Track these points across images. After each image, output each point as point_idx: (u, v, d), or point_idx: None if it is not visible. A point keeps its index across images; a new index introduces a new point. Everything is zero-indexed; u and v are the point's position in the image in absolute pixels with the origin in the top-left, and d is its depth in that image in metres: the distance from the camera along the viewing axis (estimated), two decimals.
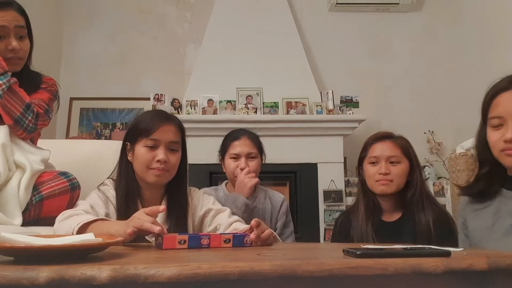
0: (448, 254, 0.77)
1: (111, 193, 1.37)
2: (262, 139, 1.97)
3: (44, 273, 0.60)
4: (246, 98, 3.43)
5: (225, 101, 3.42)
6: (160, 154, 1.34)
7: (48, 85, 1.56)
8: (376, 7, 3.82)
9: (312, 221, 3.26)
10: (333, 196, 3.27)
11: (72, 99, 3.64)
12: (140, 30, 3.79)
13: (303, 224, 3.22)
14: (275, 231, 1.90)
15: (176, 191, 1.42)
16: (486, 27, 3.37)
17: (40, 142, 1.61)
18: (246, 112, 3.34)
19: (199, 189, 1.57)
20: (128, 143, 1.41)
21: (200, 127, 3.24)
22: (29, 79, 1.51)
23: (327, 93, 3.51)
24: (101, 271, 0.60)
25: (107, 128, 3.64)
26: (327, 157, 3.33)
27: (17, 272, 0.60)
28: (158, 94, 3.48)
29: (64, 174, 1.45)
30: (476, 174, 1.31)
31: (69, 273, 0.60)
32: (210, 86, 3.44)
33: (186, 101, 3.41)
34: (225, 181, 1.98)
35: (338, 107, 3.52)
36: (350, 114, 3.45)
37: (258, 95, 3.45)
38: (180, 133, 1.42)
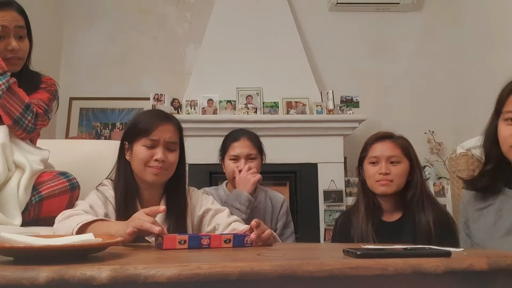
0: (448, 254, 0.77)
1: (110, 193, 1.37)
2: (262, 139, 1.97)
3: (44, 273, 0.59)
4: (246, 98, 3.43)
5: (225, 101, 3.42)
6: (159, 153, 1.35)
7: (48, 85, 1.56)
8: (376, 7, 3.82)
9: (312, 221, 3.26)
10: (333, 196, 3.27)
11: (71, 99, 3.64)
12: (140, 30, 3.79)
13: (303, 224, 3.22)
14: (275, 232, 1.90)
15: (175, 190, 1.42)
16: (486, 27, 3.37)
17: (40, 142, 1.61)
18: (246, 112, 3.34)
19: (199, 189, 1.57)
20: (126, 143, 1.41)
21: (200, 127, 3.24)
22: (28, 79, 1.51)
23: (327, 93, 3.51)
24: (101, 271, 0.60)
25: (107, 128, 3.64)
26: (327, 157, 3.33)
27: (17, 272, 0.60)
28: (158, 94, 3.48)
29: (63, 174, 1.45)
30: (481, 170, 1.31)
31: (69, 273, 0.60)
32: (210, 86, 3.44)
33: (186, 101, 3.41)
34: (225, 181, 1.98)
35: (338, 107, 3.52)
36: (350, 114, 3.45)
37: (258, 95, 3.45)
38: (178, 132, 1.43)
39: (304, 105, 3.41)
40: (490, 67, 3.27)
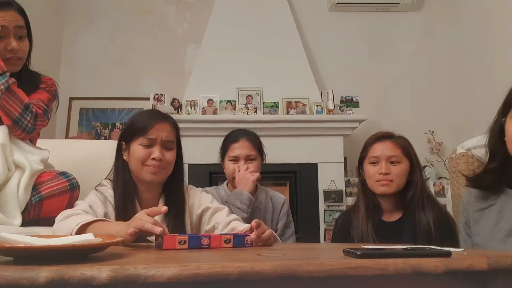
0: (448, 254, 0.77)
1: (109, 192, 1.37)
2: (262, 139, 1.97)
3: (44, 273, 0.59)
4: (246, 98, 3.43)
5: (225, 101, 3.42)
6: (156, 152, 1.35)
7: (47, 85, 1.56)
8: (376, 7, 3.82)
9: (312, 221, 3.26)
10: (333, 196, 3.27)
11: (71, 99, 3.64)
12: (140, 30, 3.79)
13: (303, 224, 3.22)
14: (276, 232, 1.91)
15: (173, 189, 1.43)
16: (486, 27, 3.37)
17: (40, 142, 1.61)
18: (246, 112, 3.33)
19: (199, 188, 1.57)
20: (124, 143, 1.41)
21: (200, 127, 3.24)
22: (28, 79, 1.51)
23: (327, 93, 3.51)
24: (101, 271, 0.60)
25: (107, 128, 3.64)
26: (327, 157, 3.33)
27: (17, 272, 0.60)
28: (158, 94, 3.48)
29: (63, 174, 1.45)
30: (485, 167, 1.30)
31: (69, 273, 0.60)
32: (210, 86, 3.44)
33: (186, 101, 3.41)
34: (226, 181, 1.98)
35: (338, 107, 3.52)
36: (350, 114, 3.45)
37: (258, 95, 3.45)
38: (175, 131, 1.43)
39: (304, 105, 3.41)
40: (490, 67, 3.27)
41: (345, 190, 3.34)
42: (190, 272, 0.61)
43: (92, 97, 3.67)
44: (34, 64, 1.60)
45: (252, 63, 3.50)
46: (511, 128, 1.20)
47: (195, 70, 3.53)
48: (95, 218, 1.17)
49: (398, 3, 3.75)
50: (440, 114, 3.73)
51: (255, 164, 1.88)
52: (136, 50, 3.76)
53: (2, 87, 1.35)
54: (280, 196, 1.99)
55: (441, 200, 2.30)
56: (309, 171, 3.31)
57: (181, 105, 3.46)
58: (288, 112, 3.39)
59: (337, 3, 3.74)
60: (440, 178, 3.55)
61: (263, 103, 3.43)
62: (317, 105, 3.40)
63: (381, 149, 1.65)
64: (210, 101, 3.40)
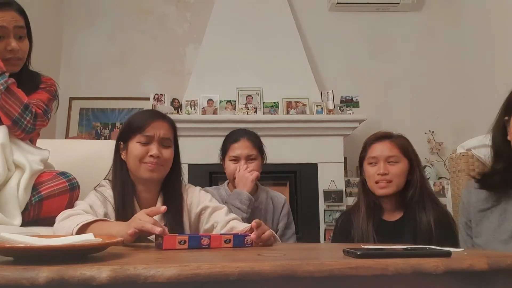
0: (448, 254, 0.77)
1: (109, 192, 1.37)
2: (262, 139, 1.97)
3: (43, 273, 0.59)
4: (246, 98, 3.43)
5: (225, 101, 3.42)
6: (153, 149, 1.36)
7: (47, 85, 1.56)
8: (376, 7, 3.82)
9: (312, 221, 3.26)
10: (333, 196, 3.27)
11: (71, 99, 3.64)
12: (140, 30, 3.79)
13: (303, 224, 3.22)
14: (276, 232, 1.91)
15: (171, 189, 1.43)
16: (486, 27, 3.37)
17: (40, 142, 1.61)
18: (246, 112, 3.33)
19: (197, 186, 1.57)
20: (121, 143, 1.42)
21: (200, 127, 3.24)
22: (28, 79, 1.51)
23: (327, 93, 3.51)
24: (101, 272, 0.60)
25: (107, 128, 3.64)
26: (327, 157, 3.33)
27: (17, 272, 0.60)
28: (158, 94, 3.48)
29: (63, 174, 1.45)
30: (491, 168, 1.28)
31: (69, 273, 0.60)
32: (210, 86, 3.44)
33: (186, 101, 3.41)
34: (226, 181, 1.98)
35: (338, 107, 3.52)
36: (350, 114, 3.45)
37: (258, 95, 3.45)
38: (172, 130, 1.44)
39: (304, 105, 3.41)
40: (490, 67, 3.27)
41: (345, 190, 3.34)
42: (190, 272, 0.61)
43: (92, 97, 3.67)
44: (34, 64, 1.60)
45: (252, 63, 3.50)
46: None
47: (195, 70, 3.53)
48: (95, 218, 1.17)
49: (398, 3, 3.75)
50: (440, 114, 3.73)
51: (256, 164, 1.88)
52: (136, 50, 3.76)
53: (2, 87, 1.35)
54: (280, 197, 1.99)
55: (441, 200, 2.30)
56: (309, 171, 3.31)
57: (181, 105, 3.46)
58: (288, 112, 3.39)
59: (337, 3, 3.74)
60: (440, 178, 3.55)
61: (263, 103, 3.43)
62: (317, 105, 3.40)
63: (379, 150, 1.65)
64: (210, 101, 3.40)
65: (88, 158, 1.78)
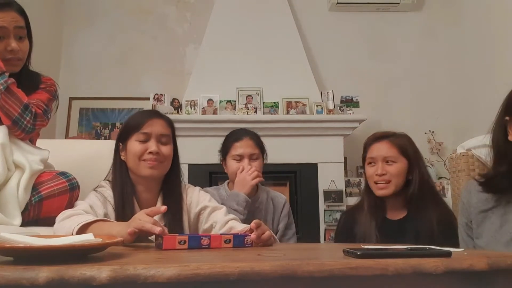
0: (448, 254, 0.77)
1: (109, 193, 1.37)
2: (262, 139, 1.97)
3: (43, 273, 0.59)
4: (246, 98, 3.43)
5: (225, 101, 3.42)
6: (152, 146, 1.36)
7: (47, 85, 1.56)
8: (376, 7, 3.82)
9: (312, 221, 3.26)
10: (334, 196, 3.27)
11: (71, 99, 3.64)
12: (140, 30, 3.79)
13: (303, 224, 3.22)
14: (277, 233, 1.91)
15: (171, 188, 1.43)
16: (486, 27, 3.37)
17: (39, 142, 1.61)
18: (246, 112, 3.33)
19: (197, 187, 1.57)
20: (121, 144, 1.43)
21: (200, 127, 3.24)
22: (28, 80, 1.51)
23: (327, 93, 3.51)
24: (101, 272, 0.60)
25: (107, 128, 3.64)
26: (327, 157, 3.33)
27: (17, 272, 0.60)
28: (158, 94, 3.48)
29: (63, 174, 1.45)
30: (495, 171, 1.25)
31: (69, 273, 0.60)
32: (210, 86, 3.44)
33: (186, 101, 3.41)
34: (226, 181, 1.98)
35: (338, 107, 3.52)
36: (350, 114, 3.45)
37: (258, 95, 3.45)
38: (169, 127, 1.44)
39: (304, 105, 3.41)
40: (490, 67, 3.27)
41: (345, 190, 3.34)
42: (190, 272, 0.61)
43: (92, 97, 3.67)
44: (34, 64, 1.60)
45: (252, 63, 3.50)
46: None
47: (195, 70, 3.53)
48: (96, 218, 1.17)
49: (398, 3, 3.75)
50: (440, 114, 3.73)
51: (258, 163, 1.88)
52: (136, 50, 3.76)
53: (1, 87, 1.35)
54: (281, 197, 1.99)
55: None
56: (309, 171, 3.31)
57: (181, 105, 3.46)
58: (288, 112, 3.39)
59: (337, 3, 3.74)
60: (440, 178, 3.55)
61: (263, 103, 3.43)
62: (317, 105, 3.40)
63: (377, 150, 1.66)
64: (210, 101, 3.40)
65: (88, 158, 1.78)
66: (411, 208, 1.62)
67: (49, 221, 1.30)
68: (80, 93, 3.65)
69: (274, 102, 3.44)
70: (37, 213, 1.39)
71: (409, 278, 0.69)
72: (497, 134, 1.24)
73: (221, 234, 1.10)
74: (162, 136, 1.40)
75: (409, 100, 3.76)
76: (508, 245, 1.17)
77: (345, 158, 3.43)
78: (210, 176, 3.19)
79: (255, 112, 3.37)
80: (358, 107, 3.65)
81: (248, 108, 3.37)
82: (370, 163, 1.68)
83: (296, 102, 3.42)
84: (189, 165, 3.07)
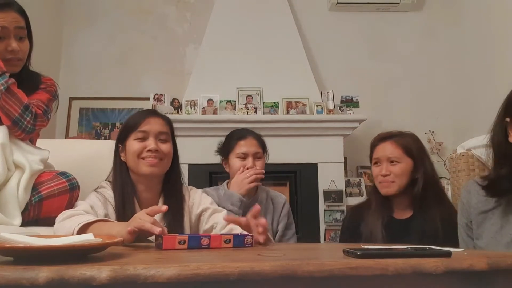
0: (448, 254, 0.77)
1: (109, 194, 1.37)
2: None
3: (43, 273, 0.59)
4: (246, 98, 3.43)
5: (225, 101, 3.42)
6: (151, 143, 1.37)
7: (47, 85, 1.56)
8: (376, 7, 3.82)
9: (312, 221, 3.26)
10: (334, 196, 3.27)
11: (71, 99, 3.64)
12: (140, 30, 3.79)
13: (303, 224, 3.22)
14: (276, 233, 1.90)
15: (172, 188, 1.43)
16: (486, 27, 3.37)
17: (40, 142, 1.61)
18: (246, 112, 3.33)
19: (199, 189, 1.57)
20: (120, 145, 1.43)
21: (200, 127, 3.24)
22: (28, 80, 1.51)
23: (327, 93, 3.51)
24: (101, 272, 0.60)
25: (107, 128, 3.64)
26: (327, 157, 3.33)
27: (17, 272, 0.60)
28: (158, 94, 3.48)
29: (63, 174, 1.45)
30: (496, 173, 1.22)
31: (69, 273, 0.60)
32: (210, 86, 3.44)
33: (186, 101, 3.41)
34: (226, 181, 1.97)
35: (338, 107, 3.52)
36: (350, 114, 3.45)
37: (258, 95, 3.45)
38: (168, 126, 1.45)
39: (304, 105, 3.41)
40: (490, 67, 3.27)
41: (345, 190, 3.34)
42: (190, 272, 0.61)
43: (92, 97, 3.67)
44: (34, 64, 1.60)
45: (252, 63, 3.50)
46: None
47: (195, 70, 3.53)
48: (96, 219, 1.17)
49: (398, 3, 3.75)
50: (440, 114, 3.73)
51: (262, 163, 1.88)
52: (136, 50, 3.76)
53: (2, 87, 1.35)
54: (281, 197, 1.98)
55: None
56: (309, 171, 3.31)
57: (181, 105, 3.46)
58: (288, 112, 3.39)
59: (337, 3, 3.74)
60: (440, 178, 3.53)
61: (263, 103, 3.43)
62: (317, 105, 3.40)
63: (381, 150, 1.68)
64: (210, 101, 3.40)
65: (88, 158, 1.78)
66: (416, 207, 1.63)
67: (49, 221, 1.30)
68: (80, 93, 3.65)
69: (274, 102, 3.44)
70: (37, 213, 1.39)
71: (409, 278, 0.69)
72: (497, 136, 1.22)
73: (221, 234, 1.10)
74: (161, 134, 1.40)
75: (409, 100, 3.76)
76: (509, 246, 1.16)
77: (345, 158, 3.43)
78: (210, 176, 3.19)
79: (255, 112, 3.37)
80: (358, 107, 3.65)
81: (248, 108, 3.37)
82: (375, 163, 1.70)
83: (296, 102, 3.42)
84: (189, 165, 3.07)
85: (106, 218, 1.24)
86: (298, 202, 3.30)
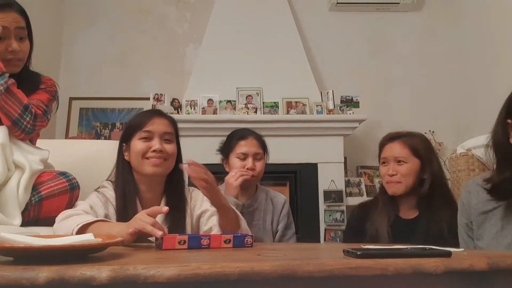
0: (448, 254, 0.77)
1: (110, 194, 1.37)
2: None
3: (43, 273, 0.59)
4: (246, 98, 3.43)
5: (225, 101, 3.42)
6: (156, 144, 1.36)
7: (47, 85, 1.56)
8: (376, 7, 3.82)
9: (312, 221, 3.26)
10: (333, 196, 3.27)
11: (71, 99, 3.64)
12: (140, 30, 3.79)
13: (303, 224, 3.21)
14: (276, 233, 1.90)
15: (174, 189, 1.43)
16: (486, 27, 3.37)
17: (40, 142, 1.61)
18: (246, 112, 3.33)
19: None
20: (124, 144, 1.42)
21: (200, 127, 3.24)
22: (28, 80, 1.51)
23: (327, 93, 3.51)
24: (101, 272, 0.60)
25: (107, 128, 3.63)
26: (327, 157, 3.33)
27: (17, 272, 0.60)
28: (158, 94, 3.48)
29: (63, 174, 1.45)
30: (500, 176, 1.19)
31: (69, 273, 0.60)
32: (210, 86, 3.44)
33: (186, 101, 3.41)
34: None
35: (338, 107, 3.52)
36: (350, 114, 3.45)
37: (258, 95, 3.45)
38: (172, 126, 1.44)
39: (304, 105, 3.41)
40: (490, 67, 3.27)
41: (345, 190, 3.34)
42: (190, 272, 0.61)
43: (92, 97, 3.67)
44: (34, 65, 1.60)
45: (252, 63, 3.50)
46: None
47: (195, 70, 3.53)
48: (95, 219, 1.17)
49: (398, 3, 3.75)
50: (440, 114, 3.73)
51: (262, 163, 1.87)
52: (136, 50, 3.76)
53: (1, 88, 1.35)
54: (280, 197, 1.98)
55: None
56: (309, 171, 3.31)
57: (181, 105, 3.46)
58: (288, 112, 3.39)
59: (337, 3, 3.74)
60: None
61: (263, 103, 3.43)
62: (317, 105, 3.40)
63: (389, 150, 1.69)
64: (210, 101, 3.40)
65: (88, 158, 1.78)
66: (422, 208, 1.63)
67: (49, 221, 1.30)
68: (80, 93, 3.65)
69: (274, 102, 3.44)
70: (37, 213, 1.39)
71: (409, 278, 0.69)
72: (499, 138, 1.20)
73: (221, 234, 1.10)
74: (165, 134, 1.40)
75: (409, 100, 3.76)
76: (509, 248, 1.16)
77: (345, 158, 3.43)
78: None
79: (255, 112, 3.37)
80: (358, 107, 3.64)
81: (248, 108, 3.37)
82: (383, 162, 1.72)
83: (296, 102, 3.42)
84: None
85: (105, 219, 1.24)
86: (298, 202, 3.30)
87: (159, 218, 1.29)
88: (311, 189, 3.30)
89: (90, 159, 1.76)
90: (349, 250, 0.76)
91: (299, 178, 3.33)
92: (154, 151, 1.36)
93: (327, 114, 3.38)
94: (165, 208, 1.11)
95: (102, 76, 3.70)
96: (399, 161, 1.65)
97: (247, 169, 1.82)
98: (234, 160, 1.87)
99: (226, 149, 1.92)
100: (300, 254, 0.98)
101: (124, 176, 1.39)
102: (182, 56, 3.79)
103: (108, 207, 1.34)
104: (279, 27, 3.58)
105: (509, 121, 1.18)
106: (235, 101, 3.42)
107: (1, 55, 1.41)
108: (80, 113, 3.65)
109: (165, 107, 3.37)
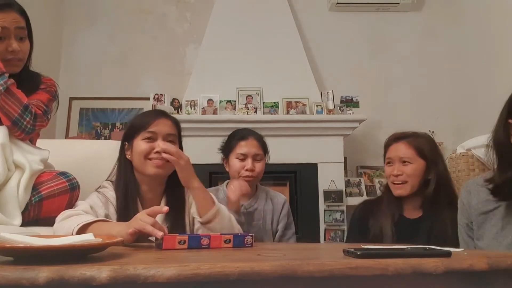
0: (448, 254, 0.77)
1: (111, 194, 1.37)
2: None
3: (43, 273, 0.59)
4: (246, 98, 3.43)
5: (225, 101, 3.42)
6: (159, 145, 1.36)
7: (47, 85, 1.56)
8: (376, 7, 3.82)
9: (312, 221, 3.26)
10: (333, 196, 3.27)
11: (71, 99, 3.64)
12: (140, 30, 3.79)
13: (303, 224, 3.22)
14: (276, 233, 1.90)
15: (175, 189, 1.43)
16: (486, 27, 3.37)
17: (40, 142, 1.61)
18: (246, 112, 3.33)
19: None
20: (126, 143, 1.42)
21: (200, 127, 3.24)
22: (28, 80, 1.51)
23: (327, 93, 3.51)
24: (101, 272, 0.60)
25: (107, 128, 3.63)
26: (327, 157, 3.33)
27: (17, 272, 0.60)
28: (158, 94, 3.48)
29: (63, 174, 1.45)
30: (502, 177, 1.19)
31: (69, 274, 0.60)
32: (210, 86, 3.44)
33: (186, 101, 3.41)
34: (226, 181, 1.97)
35: (338, 107, 3.52)
36: (350, 114, 3.45)
37: (258, 95, 3.45)
38: (176, 127, 1.45)
39: (304, 105, 3.41)
40: (491, 67, 3.27)
41: (345, 190, 3.34)
42: (190, 272, 0.61)
43: (92, 97, 3.67)
44: (34, 65, 1.60)
45: (252, 63, 3.50)
46: None
47: (195, 70, 3.53)
48: (96, 219, 1.17)
49: (398, 3, 3.75)
50: (440, 114, 3.73)
51: (261, 164, 1.87)
52: (136, 50, 3.76)
53: (1, 88, 1.35)
54: (280, 197, 1.98)
55: None
56: (309, 171, 3.31)
57: (181, 105, 3.46)
58: (288, 112, 3.39)
59: (337, 3, 3.74)
60: None
61: (263, 103, 3.43)
62: (317, 105, 3.40)
63: (394, 150, 1.69)
64: (210, 101, 3.40)
65: (88, 158, 1.78)
66: (426, 208, 1.63)
67: (49, 221, 1.30)
68: (80, 93, 3.65)
69: (274, 102, 3.44)
70: (37, 213, 1.39)
71: (409, 278, 0.69)
72: (500, 138, 1.20)
73: (221, 234, 1.10)
74: (169, 136, 1.40)
75: (409, 100, 3.76)
76: (510, 248, 1.16)
77: (345, 158, 3.43)
78: (210, 176, 3.18)
79: (255, 112, 3.37)
80: (358, 107, 3.65)
81: (248, 108, 3.37)
82: (388, 163, 1.72)
83: (296, 102, 3.42)
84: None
85: (105, 219, 1.24)
86: (298, 202, 3.30)
87: (159, 218, 1.29)
88: (311, 189, 3.30)
89: (90, 159, 1.76)
90: (349, 250, 0.76)
91: (299, 178, 3.33)
92: (157, 152, 1.35)
93: (327, 114, 3.39)
94: (165, 208, 1.11)
95: (102, 76, 3.70)
96: (404, 162, 1.65)
97: (246, 170, 1.82)
98: (234, 161, 1.87)
99: (226, 149, 1.92)
100: (300, 254, 0.98)
101: (126, 175, 1.39)
102: (182, 56, 3.79)
103: (109, 207, 1.34)
104: (279, 27, 3.58)
105: (510, 121, 1.18)
106: (235, 101, 3.43)
107: (1, 55, 1.40)
108: (80, 113, 3.66)
109: (165, 107, 3.37)
